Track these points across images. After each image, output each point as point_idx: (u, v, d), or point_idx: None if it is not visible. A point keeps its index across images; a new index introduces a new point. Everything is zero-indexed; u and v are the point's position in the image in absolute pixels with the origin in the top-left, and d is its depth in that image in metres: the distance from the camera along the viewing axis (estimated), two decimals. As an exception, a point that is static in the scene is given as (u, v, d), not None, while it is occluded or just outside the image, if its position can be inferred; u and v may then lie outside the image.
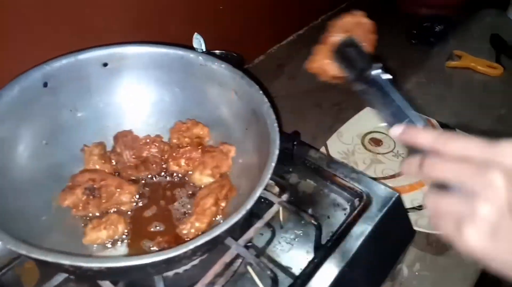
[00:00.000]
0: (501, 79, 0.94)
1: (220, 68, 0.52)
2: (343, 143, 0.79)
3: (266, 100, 0.47)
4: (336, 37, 0.51)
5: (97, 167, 0.50)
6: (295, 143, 0.59)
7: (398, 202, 0.55)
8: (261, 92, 0.49)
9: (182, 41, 0.82)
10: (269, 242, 0.52)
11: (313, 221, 0.47)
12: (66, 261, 0.32)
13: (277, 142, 0.43)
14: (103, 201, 0.48)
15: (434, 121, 0.81)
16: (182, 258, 0.35)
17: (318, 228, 0.47)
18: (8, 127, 0.44)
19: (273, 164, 0.40)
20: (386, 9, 1.22)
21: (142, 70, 0.54)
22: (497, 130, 0.82)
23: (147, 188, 0.51)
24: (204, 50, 0.82)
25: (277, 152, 0.42)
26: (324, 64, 0.53)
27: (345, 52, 0.47)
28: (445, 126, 0.80)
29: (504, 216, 0.27)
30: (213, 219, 0.45)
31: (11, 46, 0.55)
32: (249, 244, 0.49)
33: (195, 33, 0.81)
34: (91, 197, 0.48)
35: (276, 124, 0.45)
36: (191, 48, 0.81)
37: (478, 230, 0.28)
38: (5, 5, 0.54)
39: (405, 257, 0.63)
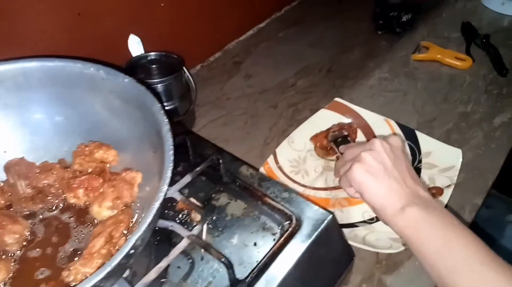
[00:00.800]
0: (469, 72, 0.88)
1: (123, 83, 0.46)
2: (294, 150, 0.73)
3: (166, 121, 0.42)
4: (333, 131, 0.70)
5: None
6: (220, 161, 0.53)
7: (332, 224, 0.50)
8: (162, 112, 0.43)
9: (119, 43, 0.76)
10: (186, 276, 0.47)
11: (222, 260, 0.42)
12: None
13: (168, 174, 0.37)
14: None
15: (392, 122, 0.75)
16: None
17: (229, 267, 0.42)
18: None
19: (157, 204, 0.35)
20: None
21: (37, 88, 0.48)
22: (460, 129, 0.76)
23: (42, 224, 0.45)
24: (142, 52, 0.76)
25: (165, 188, 0.36)
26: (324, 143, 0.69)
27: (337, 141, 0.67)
28: (405, 128, 0.74)
29: (376, 162, 0.52)
30: (106, 262, 0.40)
31: None
32: (163, 280, 0.44)
33: (131, 34, 0.74)
34: None
35: (171, 153, 0.39)
36: (126, 52, 0.75)
37: (359, 166, 0.52)
38: None
39: (351, 278, 0.58)
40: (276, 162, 0.70)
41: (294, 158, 0.72)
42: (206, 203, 0.54)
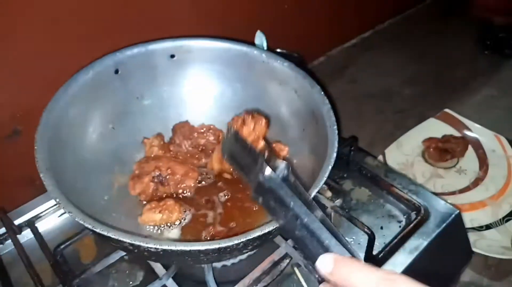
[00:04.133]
0: None
1: (282, 66, 0.52)
2: (403, 154, 0.76)
3: (327, 101, 0.47)
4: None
5: (159, 157, 0.52)
6: (352, 148, 0.58)
7: (458, 219, 0.52)
8: (322, 93, 0.48)
9: (244, 38, 0.83)
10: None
11: (366, 230, 0.46)
12: (126, 239, 0.33)
13: (335, 145, 0.42)
14: (170, 187, 0.49)
15: (502, 138, 0.76)
16: (233, 249, 0.35)
17: (371, 237, 0.46)
18: (80, 108, 0.47)
19: (330, 167, 0.40)
20: (452, 12, 1.16)
21: (206, 64, 0.55)
22: None
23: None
24: (265, 48, 0.83)
25: (334, 155, 0.41)
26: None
27: (232, 151, 0.37)
28: (514, 144, 0.75)
29: None
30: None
31: (85, 33, 0.58)
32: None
33: (258, 31, 0.81)
34: (159, 185, 0.50)
35: (335, 127, 0.44)
36: (253, 45, 0.82)
37: None
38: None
39: (460, 279, 0.60)
40: (385, 162, 0.74)
41: (403, 161, 0.75)
42: (331, 187, 0.58)
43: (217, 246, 0.33)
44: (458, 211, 0.53)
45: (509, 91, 0.89)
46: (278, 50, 0.81)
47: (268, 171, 0.30)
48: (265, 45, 0.84)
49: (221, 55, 0.54)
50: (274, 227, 0.35)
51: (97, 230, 0.34)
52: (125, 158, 0.52)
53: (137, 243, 0.33)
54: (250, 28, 0.83)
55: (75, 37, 0.55)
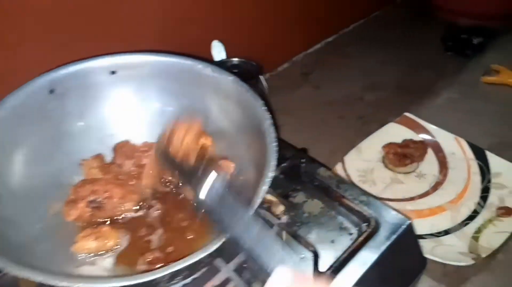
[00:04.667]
0: (542, 98, 0.87)
1: (227, 81, 0.51)
2: (363, 160, 0.75)
3: (267, 116, 0.45)
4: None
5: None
6: (302, 160, 0.57)
7: (409, 230, 0.51)
8: (264, 108, 0.47)
9: (203, 48, 0.81)
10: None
11: (310, 249, 0.45)
12: (37, 278, 0.31)
13: (273, 164, 0.41)
14: (107, 212, 0.48)
15: (462, 141, 0.76)
16: (159, 281, 0.34)
17: (314, 255, 0.45)
18: (9, 133, 0.45)
19: (265, 188, 0.38)
20: (420, 14, 1.16)
21: (149, 79, 0.53)
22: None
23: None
24: (224, 57, 0.82)
25: (271, 175, 0.40)
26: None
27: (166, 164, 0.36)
28: (475, 147, 0.75)
29: None
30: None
31: (20, 52, 0.57)
32: (244, 265, 0.47)
33: (214, 40, 0.80)
34: (96, 210, 0.48)
35: (274, 144, 0.43)
36: (208, 56, 0.81)
37: None
38: (19, 10, 0.55)
39: (418, 288, 0.59)
40: (344, 170, 0.73)
41: (363, 168, 0.74)
42: (284, 199, 0.57)
43: (136, 281, 0.31)
44: (409, 221, 0.52)
45: (470, 93, 0.89)
46: (236, 59, 0.80)
47: (204, 191, 0.29)
48: (223, 54, 0.83)
49: (165, 69, 0.53)
50: (205, 254, 0.34)
51: (6, 270, 0.32)
52: (64, 182, 0.50)
53: (48, 282, 0.31)
54: (211, 39, 0.82)
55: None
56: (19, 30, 0.58)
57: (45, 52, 0.60)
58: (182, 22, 0.78)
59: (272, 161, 0.41)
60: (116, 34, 0.69)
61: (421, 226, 0.65)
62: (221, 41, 0.82)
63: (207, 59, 0.79)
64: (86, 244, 0.43)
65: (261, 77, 0.80)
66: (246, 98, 0.49)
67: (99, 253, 0.43)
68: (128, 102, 0.53)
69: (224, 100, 0.51)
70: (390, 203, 0.69)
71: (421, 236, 0.64)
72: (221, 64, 0.79)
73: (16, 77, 0.48)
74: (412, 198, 0.70)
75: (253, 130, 0.48)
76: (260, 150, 0.46)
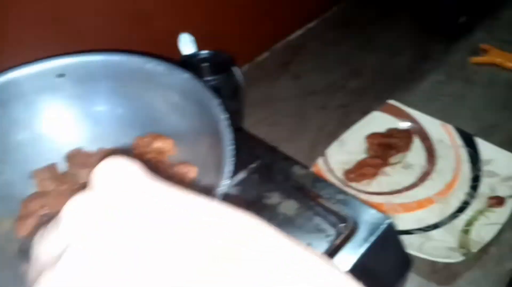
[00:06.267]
0: (533, 77, 0.83)
1: (182, 79, 0.46)
2: (346, 152, 0.71)
3: (223, 117, 0.41)
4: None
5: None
6: (273, 159, 0.53)
7: (390, 229, 0.48)
8: (220, 107, 0.42)
9: (172, 42, 0.77)
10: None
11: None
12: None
13: (229, 168, 0.37)
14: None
15: (450, 127, 0.71)
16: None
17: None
18: None
19: (221, 192, 0.34)
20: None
21: (100, 81, 0.49)
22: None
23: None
24: (193, 51, 0.77)
25: (227, 182, 0.36)
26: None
27: None
28: (463, 133, 0.70)
29: None
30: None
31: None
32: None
33: (181, 33, 0.75)
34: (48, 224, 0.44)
35: (231, 147, 0.38)
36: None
37: None
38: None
39: (407, 286, 0.55)
40: (327, 164, 0.69)
41: (346, 161, 0.70)
42: (258, 201, 0.53)
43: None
44: (390, 220, 0.48)
45: (457, 75, 0.85)
46: (205, 51, 0.75)
47: None
48: (193, 48, 0.78)
49: (115, 70, 0.48)
50: None
51: None
52: (15, 196, 0.46)
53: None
54: (180, 31, 0.77)
55: None
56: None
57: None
58: (145, 14, 0.73)
59: (228, 166, 0.37)
60: (63, 33, 0.64)
61: (409, 221, 0.61)
62: (191, 33, 0.78)
63: (173, 55, 0.75)
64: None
65: (235, 69, 0.76)
66: (203, 96, 0.44)
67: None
68: (77, 106, 0.49)
69: (180, 100, 0.47)
70: (377, 197, 0.66)
71: (409, 231, 0.60)
72: (189, 58, 0.74)
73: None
74: (399, 191, 0.66)
75: (212, 131, 0.44)
76: (220, 153, 0.42)
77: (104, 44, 0.66)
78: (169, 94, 0.48)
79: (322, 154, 0.70)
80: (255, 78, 0.91)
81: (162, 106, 0.48)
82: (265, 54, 0.98)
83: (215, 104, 0.42)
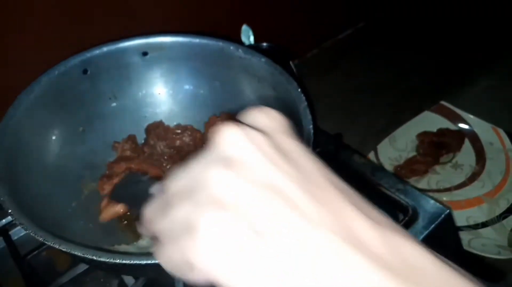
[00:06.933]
0: None
1: (259, 62, 0.49)
2: (396, 149, 0.73)
3: (303, 99, 0.44)
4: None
5: (132, 160, 0.50)
6: (337, 146, 0.55)
7: (449, 219, 0.49)
8: (299, 90, 0.45)
9: (228, 33, 0.80)
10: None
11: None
12: (77, 252, 0.31)
13: (309, 144, 0.39)
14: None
15: (500, 131, 0.72)
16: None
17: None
18: (44, 112, 0.45)
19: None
20: None
21: (181, 61, 0.52)
22: None
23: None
24: (252, 42, 0.80)
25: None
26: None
27: None
28: (513, 137, 0.71)
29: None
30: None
31: (51, 31, 0.56)
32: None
33: (244, 25, 0.78)
34: None
35: (311, 127, 0.41)
36: (238, 39, 0.79)
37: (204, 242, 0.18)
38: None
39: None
40: (377, 159, 0.71)
41: (395, 157, 0.72)
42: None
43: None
44: (448, 210, 0.50)
45: (509, 81, 0.85)
46: (264, 44, 0.78)
47: None
48: (252, 39, 0.81)
49: (197, 51, 0.52)
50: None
51: (48, 243, 0.32)
52: (97, 161, 0.50)
53: (89, 256, 0.31)
54: (235, 22, 0.80)
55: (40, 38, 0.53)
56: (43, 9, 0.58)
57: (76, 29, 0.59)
58: (209, 4, 0.77)
59: (309, 144, 0.39)
60: (144, 14, 0.68)
61: (457, 218, 0.63)
62: (249, 25, 0.81)
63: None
64: (111, 210, 0.42)
65: (291, 63, 0.78)
66: (280, 80, 0.47)
67: (128, 213, 0.43)
68: (160, 84, 0.53)
69: (257, 82, 0.50)
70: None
71: (459, 228, 0.61)
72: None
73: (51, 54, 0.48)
74: (448, 189, 0.67)
75: (288, 113, 0.47)
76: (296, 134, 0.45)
77: (173, 28, 0.70)
78: (245, 77, 0.51)
79: (372, 149, 0.72)
80: (305, 73, 0.94)
81: (240, 88, 0.51)
82: (315, 51, 1.00)
83: (293, 87, 0.45)
